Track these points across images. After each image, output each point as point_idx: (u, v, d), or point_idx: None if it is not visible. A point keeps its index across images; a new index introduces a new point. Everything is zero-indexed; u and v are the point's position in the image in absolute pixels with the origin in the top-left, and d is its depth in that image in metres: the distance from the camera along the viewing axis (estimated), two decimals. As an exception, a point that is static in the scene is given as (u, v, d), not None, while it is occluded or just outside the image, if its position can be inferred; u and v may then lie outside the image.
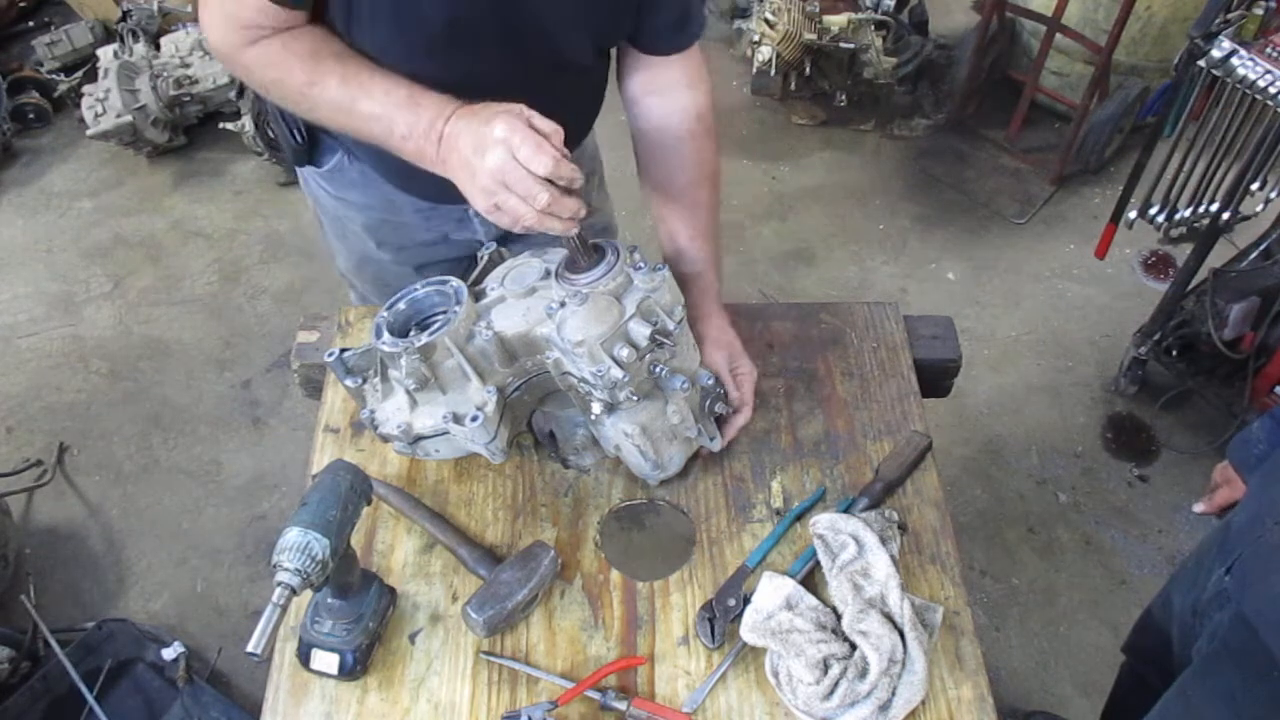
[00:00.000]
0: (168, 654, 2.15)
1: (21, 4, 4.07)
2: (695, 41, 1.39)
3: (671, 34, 1.36)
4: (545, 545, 1.26)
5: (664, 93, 1.39)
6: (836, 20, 3.53)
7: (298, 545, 1.03)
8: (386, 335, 1.20)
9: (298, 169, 1.55)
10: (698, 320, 1.37)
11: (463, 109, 1.10)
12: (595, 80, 1.47)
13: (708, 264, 1.41)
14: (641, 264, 1.18)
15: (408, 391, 1.19)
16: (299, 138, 1.45)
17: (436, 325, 1.19)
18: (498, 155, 1.03)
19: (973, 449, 2.76)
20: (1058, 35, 3.25)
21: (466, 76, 1.15)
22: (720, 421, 1.36)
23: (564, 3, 1.22)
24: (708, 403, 1.32)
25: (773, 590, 1.21)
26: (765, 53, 3.52)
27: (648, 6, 1.31)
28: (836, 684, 1.11)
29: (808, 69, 3.60)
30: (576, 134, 1.62)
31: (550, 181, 1.04)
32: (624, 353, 1.13)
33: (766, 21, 3.45)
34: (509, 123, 1.03)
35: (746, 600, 1.22)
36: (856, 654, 1.14)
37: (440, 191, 1.16)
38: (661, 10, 1.32)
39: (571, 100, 1.46)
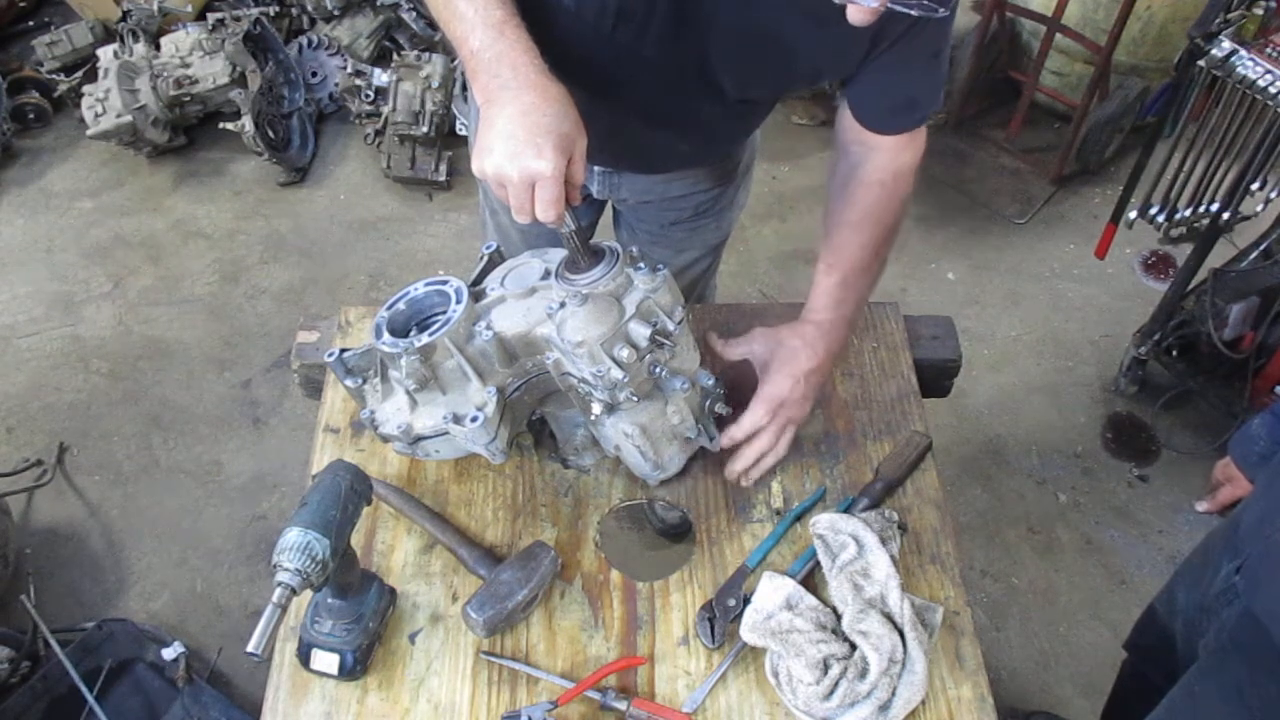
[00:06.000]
0: (168, 654, 2.15)
1: (21, 4, 4.06)
2: (918, 127, 1.31)
3: (888, 117, 1.30)
4: (545, 545, 1.26)
5: (869, 146, 1.34)
6: (836, 20, 3.52)
7: (298, 545, 1.03)
8: (386, 335, 1.19)
9: None
10: (790, 328, 1.39)
11: (525, 80, 1.05)
12: (749, 113, 1.44)
13: (824, 294, 1.39)
14: (641, 265, 1.18)
15: (408, 392, 1.19)
16: None
17: (436, 325, 1.19)
18: (502, 166, 1.03)
19: (973, 449, 2.76)
20: (1058, 35, 3.25)
21: (615, 76, 1.15)
22: (721, 421, 1.36)
23: (732, 42, 1.19)
24: (708, 403, 1.32)
25: (773, 590, 1.21)
26: (765, 52, 3.51)
27: (867, 87, 1.25)
28: (836, 684, 1.12)
29: (807, 69, 3.60)
30: (704, 156, 1.62)
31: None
32: (624, 353, 1.13)
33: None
34: (525, 165, 1.02)
35: (746, 600, 1.22)
36: (856, 654, 1.14)
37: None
38: (885, 94, 1.27)
39: (714, 124, 1.45)
